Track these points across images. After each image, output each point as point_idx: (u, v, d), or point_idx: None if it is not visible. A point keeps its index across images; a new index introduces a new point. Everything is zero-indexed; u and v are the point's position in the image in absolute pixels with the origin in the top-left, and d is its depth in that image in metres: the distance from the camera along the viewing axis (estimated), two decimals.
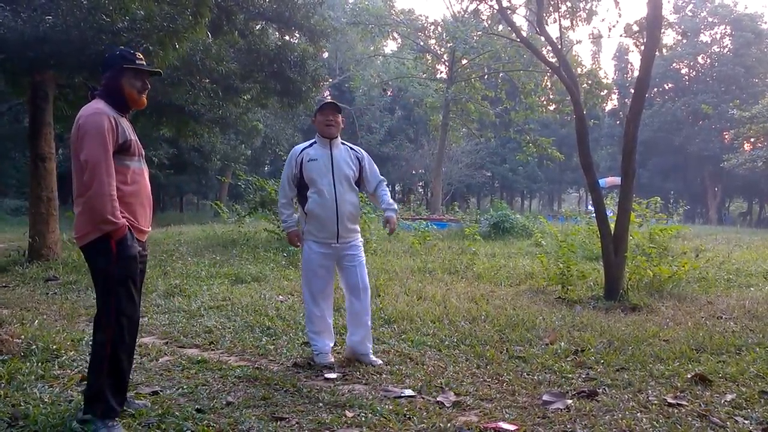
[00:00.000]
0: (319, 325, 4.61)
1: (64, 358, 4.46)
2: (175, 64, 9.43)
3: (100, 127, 3.15)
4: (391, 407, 3.60)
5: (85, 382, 3.34)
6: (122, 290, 3.22)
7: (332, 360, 4.55)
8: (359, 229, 4.77)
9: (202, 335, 5.32)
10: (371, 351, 4.62)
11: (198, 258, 10.44)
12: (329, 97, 42.70)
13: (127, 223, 3.23)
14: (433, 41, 32.95)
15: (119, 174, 3.23)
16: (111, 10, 8.17)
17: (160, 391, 3.82)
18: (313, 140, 4.69)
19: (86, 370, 3.59)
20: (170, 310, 6.35)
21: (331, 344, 4.73)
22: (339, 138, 4.68)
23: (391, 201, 4.79)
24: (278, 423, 3.35)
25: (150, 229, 3.50)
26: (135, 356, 3.95)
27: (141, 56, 3.45)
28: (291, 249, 10.56)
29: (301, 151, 4.63)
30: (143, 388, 3.81)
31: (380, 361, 4.54)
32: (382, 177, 4.87)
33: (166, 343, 5.11)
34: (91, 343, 3.26)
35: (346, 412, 3.53)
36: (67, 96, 10.79)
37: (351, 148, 4.77)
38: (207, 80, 11.52)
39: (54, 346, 4.64)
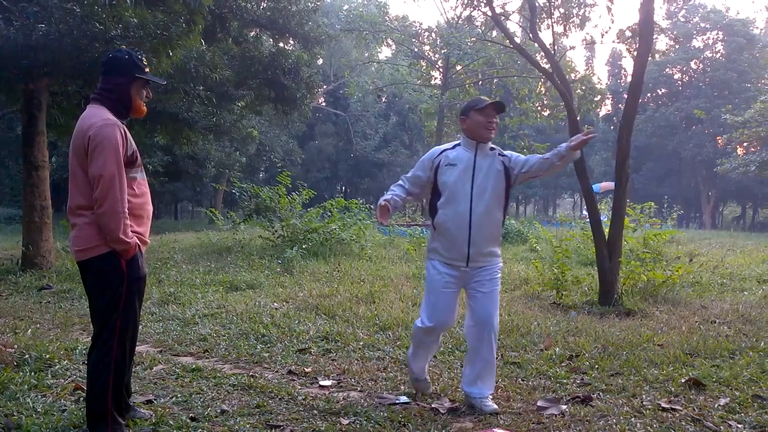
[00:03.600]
0: (426, 353, 3.97)
1: (57, 367, 4.43)
2: (169, 71, 9.43)
3: (113, 139, 3.02)
4: (386, 414, 3.60)
5: (79, 392, 3.31)
6: (130, 311, 3.14)
7: (430, 387, 4.06)
8: (499, 252, 3.93)
9: (197, 343, 5.30)
10: (489, 395, 3.81)
11: (193, 265, 10.42)
12: (323, 103, 42.87)
13: (137, 240, 3.15)
14: (427, 47, 33.03)
15: (128, 187, 3.12)
16: (104, 18, 8.16)
17: (154, 399, 3.81)
18: (457, 142, 3.95)
19: (80, 380, 3.57)
20: (165, 318, 6.33)
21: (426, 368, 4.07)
22: (489, 143, 3.89)
23: (553, 151, 3.89)
24: (273, 431, 3.35)
25: (150, 240, 3.43)
26: None
27: (146, 62, 3.34)
28: (286, 256, 10.56)
29: (441, 153, 3.90)
30: (137, 397, 3.78)
31: (495, 407, 3.72)
32: (533, 155, 3.97)
33: (161, 351, 5.09)
34: (90, 363, 3.15)
35: (341, 419, 3.52)
36: (60, 104, 10.78)
37: (500, 153, 3.91)
38: (201, 87, 11.52)
39: (47, 356, 4.61)
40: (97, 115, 3.09)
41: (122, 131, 3.09)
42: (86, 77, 8.98)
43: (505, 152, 3.93)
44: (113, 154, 3.00)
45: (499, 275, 3.89)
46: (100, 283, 3.13)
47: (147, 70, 3.27)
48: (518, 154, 3.95)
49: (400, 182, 4.03)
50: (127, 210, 3.06)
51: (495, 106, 3.83)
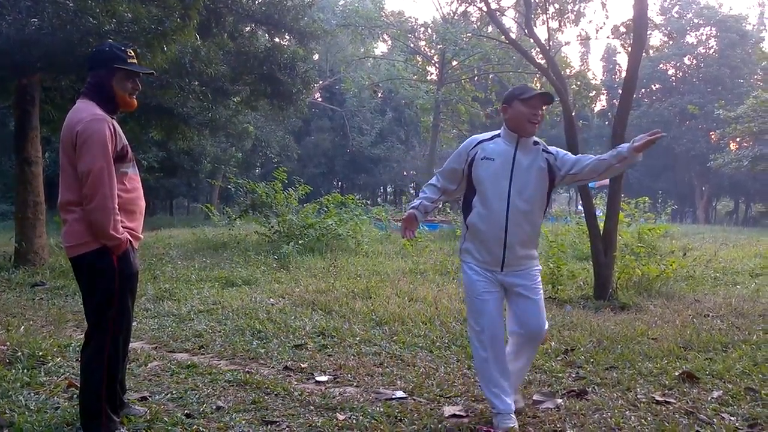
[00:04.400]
0: (496, 372, 3.41)
1: (50, 364, 4.41)
2: (164, 66, 9.40)
3: (102, 134, 2.97)
4: (382, 409, 3.60)
5: (72, 389, 3.29)
6: (122, 307, 3.11)
7: (515, 423, 3.35)
8: (536, 254, 3.60)
9: (192, 339, 5.30)
10: (517, 391, 3.65)
11: (188, 261, 10.41)
12: (319, 99, 42.79)
13: (129, 236, 3.11)
14: (423, 43, 33.02)
15: (119, 182, 3.07)
16: (98, 13, 8.12)
17: (149, 396, 3.80)
18: (497, 133, 3.54)
19: (73, 377, 3.56)
20: (160, 314, 6.32)
21: (512, 399, 3.47)
22: (533, 137, 3.50)
23: (613, 152, 3.46)
24: (269, 427, 3.35)
25: (142, 236, 3.40)
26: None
27: (132, 53, 3.24)
28: (282, 251, 10.55)
29: (478, 143, 3.50)
30: (132, 394, 3.78)
31: (521, 404, 3.59)
32: (585, 155, 3.56)
33: (156, 348, 5.08)
34: (83, 360, 3.14)
35: (338, 414, 3.52)
36: (53, 99, 10.74)
37: (545, 149, 3.52)
38: (196, 83, 11.48)
39: (40, 353, 4.59)
40: (85, 110, 3.06)
41: (111, 126, 3.05)
42: (79, 72, 8.93)
43: (550, 148, 3.55)
44: (101, 149, 2.96)
45: (540, 279, 3.59)
46: (91, 279, 3.11)
47: (131, 61, 3.19)
48: (566, 152, 3.57)
49: (433, 181, 3.69)
50: (117, 205, 3.02)
51: (542, 98, 3.43)
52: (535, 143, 3.49)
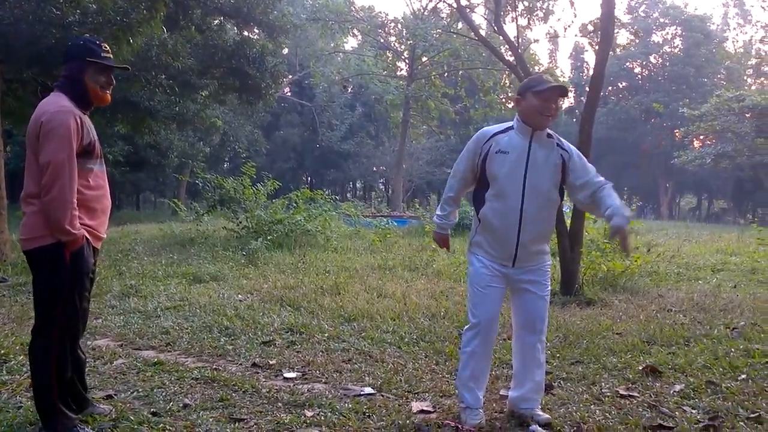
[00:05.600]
0: (478, 366, 3.42)
1: (12, 363, 4.32)
2: (130, 59, 9.27)
3: (66, 126, 2.92)
4: (350, 406, 3.61)
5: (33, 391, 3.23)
6: (69, 305, 3.04)
7: (483, 419, 3.37)
8: (548, 249, 3.56)
9: (159, 336, 5.24)
10: (539, 405, 3.50)
11: (155, 257, 10.28)
12: (289, 93, 42.53)
13: (86, 233, 3.05)
14: (393, 38, 33.03)
15: (82, 178, 3.03)
16: (61, 3, 7.99)
17: (114, 394, 3.75)
18: (510, 125, 3.43)
19: None
20: (125, 311, 6.24)
21: (483, 396, 3.51)
22: (546, 129, 3.40)
23: (620, 203, 3.29)
24: (236, 424, 3.33)
25: (105, 235, 3.34)
26: (88, 360, 3.89)
27: (107, 47, 3.20)
28: (250, 247, 10.49)
29: (492, 136, 3.37)
30: (97, 392, 3.73)
31: (548, 416, 3.40)
32: (600, 177, 3.41)
33: (121, 345, 5.01)
34: (31, 357, 3.08)
35: (306, 411, 3.52)
36: (15, 91, 10.51)
37: (559, 144, 3.43)
38: (163, 76, 11.35)
39: (2, 351, 4.51)
40: (53, 103, 3.02)
41: (78, 119, 3.00)
42: (43, 64, 8.77)
43: (564, 144, 3.44)
44: (64, 142, 2.92)
45: (550, 272, 3.55)
46: (41, 274, 3.05)
47: (105, 55, 3.17)
48: (579, 154, 3.47)
49: (450, 194, 3.55)
50: (76, 200, 2.96)
51: (557, 90, 3.33)
52: (549, 136, 3.40)
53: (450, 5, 19.40)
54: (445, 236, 3.70)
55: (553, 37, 36.60)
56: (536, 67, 26.52)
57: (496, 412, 3.56)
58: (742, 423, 3.32)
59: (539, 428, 3.25)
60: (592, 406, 3.60)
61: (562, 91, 3.40)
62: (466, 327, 3.49)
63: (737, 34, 50.26)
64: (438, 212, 3.66)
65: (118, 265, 9.21)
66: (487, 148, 3.34)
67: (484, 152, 3.34)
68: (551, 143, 3.39)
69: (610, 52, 7.92)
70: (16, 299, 6.91)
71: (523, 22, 21.50)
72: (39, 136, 2.96)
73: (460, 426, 3.31)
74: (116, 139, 22.58)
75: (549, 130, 3.40)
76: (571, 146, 3.47)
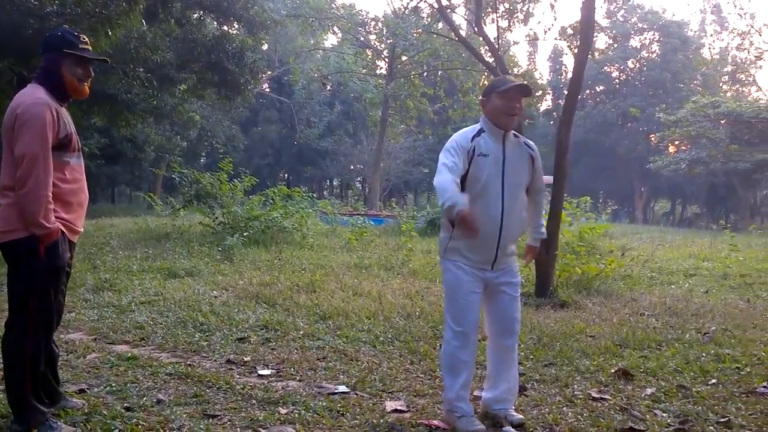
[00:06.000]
0: (470, 374, 3.40)
1: None
2: (108, 51, 9.16)
3: (41, 119, 2.89)
4: (324, 404, 3.61)
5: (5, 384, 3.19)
6: (44, 299, 3.01)
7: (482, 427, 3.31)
8: (516, 249, 3.57)
9: (133, 331, 5.19)
10: (513, 406, 3.53)
11: (129, 252, 10.19)
12: (267, 90, 42.33)
13: (61, 227, 3.02)
14: (373, 37, 33.07)
15: (58, 171, 3.00)
16: None
17: (87, 389, 3.71)
18: (479, 127, 3.41)
19: None
20: (99, 305, 6.18)
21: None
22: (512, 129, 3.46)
23: (542, 222, 3.65)
24: (210, 421, 3.31)
25: (82, 229, 3.31)
26: (61, 353, 3.84)
27: (86, 39, 3.17)
28: (226, 243, 10.43)
29: (472, 139, 3.33)
30: (69, 386, 3.69)
31: (521, 416, 3.43)
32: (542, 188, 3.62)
33: (95, 339, 4.97)
34: (3, 351, 3.05)
35: (280, 408, 3.52)
36: None
37: (526, 142, 3.54)
38: (141, 69, 11.25)
39: None
40: (29, 95, 2.99)
41: (53, 112, 2.97)
42: (20, 55, 8.64)
43: (531, 144, 3.54)
44: (39, 135, 2.89)
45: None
46: (16, 267, 3.02)
47: (84, 47, 3.13)
48: (540, 165, 3.56)
49: (453, 175, 3.22)
50: (51, 194, 2.93)
51: (519, 89, 3.36)
52: (516, 135, 3.46)
53: (431, 5, 19.47)
54: (467, 214, 3.11)
55: (533, 40, 36.85)
56: (515, 69, 26.70)
57: None
58: (711, 427, 3.38)
59: (512, 429, 3.28)
60: (564, 408, 3.64)
61: (525, 90, 3.41)
62: (449, 337, 3.39)
63: (714, 41, 50.95)
64: (450, 195, 3.12)
65: (92, 258, 9.11)
66: (472, 149, 3.30)
67: (470, 154, 3.29)
68: (519, 143, 3.47)
69: (589, 56, 8.00)
70: None
71: (503, 23, 21.60)
72: (14, 128, 2.93)
73: (442, 426, 3.32)
74: (92, 131, 22.32)
75: (513, 131, 3.45)
76: (534, 146, 3.57)
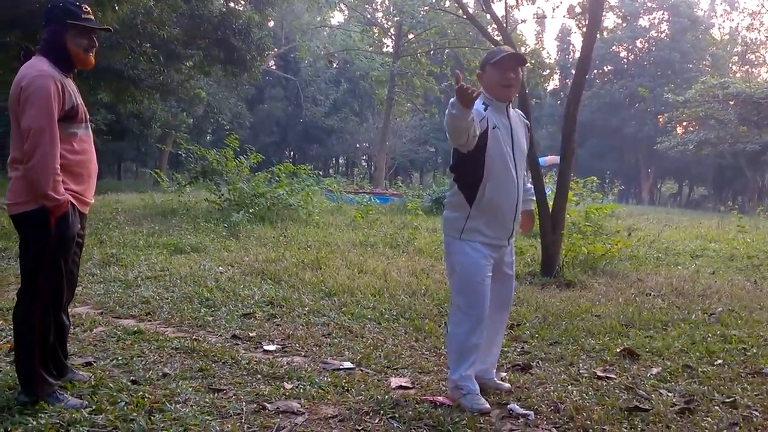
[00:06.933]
0: (474, 358, 3.37)
1: None
2: (114, 26, 9.10)
3: (45, 91, 2.88)
4: (329, 379, 3.62)
5: (14, 355, 3.21)
6: (54, 270, 3.03)
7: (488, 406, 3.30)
8: None
9: (139, 306, 5.21)
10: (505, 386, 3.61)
11: (136, 227, 10.20)
12: (274, 67, 42.11)
13: (71, 198, 3.02)
14: (380, 14, 32.83)
15: (65, 143, 3.00)
16: None
17: (94, 362, 3.73)
18: (483, 101, 3.30)
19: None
20: (106, 279, 6.20)
21: None
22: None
23: (530, 186, 3.74)
24: (215, 395, 3.33)
25: (92, 200, 3.31)
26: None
27: (88, 9, 3.15)
28: (232, 220, 10.44)
29: (484, 113, 3.25)
30: (76, 359, 3.71)
31: (508, 385, 3.59)
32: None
33: (101, 313, 4.98)
34: (15, 321, 3.08)
35: (285, 384, 3.53)
36: None
37: (518, 111, 3.54)
38: (148, 45, 11.19)
39: None
40: (34, 66, 2.98)
41: (58, 83, 2.96)
42: (25, 28, 8.60)
43: (522, 114, 3.59)
44: (44, 107, 2.88)
45: None
46: (26, 238, 3.04)
47: (86, 17, 3.10)
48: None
49: None
50: (58, 165, 2.93)
51: (513, 58, 3.28)
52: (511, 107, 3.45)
53: None
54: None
55: (541, 18, 36.47)
56: (523, 48, 26.42)
57: None
58: (717, 407, 3.37)
59: (518, 407, 3.28)
60: (569, 387, 3.64)
61: (519, 59, 3.33)
62: (458, 320, 3.35)
63: (724, 21, 50.59)
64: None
65: (98, 233, 9.12)
66: (486, 122, 3.23)
67: (483, 128, 3.20)
68: (517, 112, 3.49)
69: (597, 35, 7.91)
70: None
71: (511, 1, 21.37)
72: (20, 100, 2.92)
73: (443, 400, 3.33)
74: (99, 107, 22.28)
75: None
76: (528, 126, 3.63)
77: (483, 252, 3.31)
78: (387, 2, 31.70)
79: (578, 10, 13.37)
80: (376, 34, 32.35)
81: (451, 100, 3.00)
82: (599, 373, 3.87)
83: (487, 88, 3.32)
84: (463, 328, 3.33)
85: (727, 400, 3.46)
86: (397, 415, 3.15)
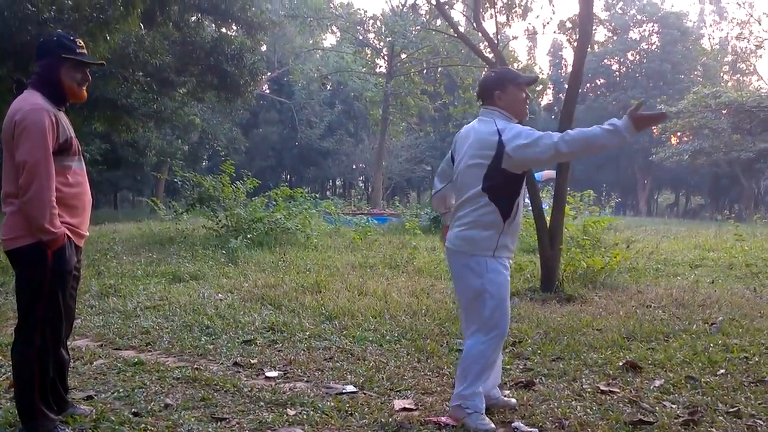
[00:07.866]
0: (488, 374, 3.43)
1: None
2: (107, 56, 9.17)
3: (40, 125, 2.89)
4: (332, 404, 3.60)
5: (14, 389, 3.19)
6: (51, 305, 3.02)
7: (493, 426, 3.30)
8: None
9: (139, 336, 5.19)
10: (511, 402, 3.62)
11: (134, 257, 10.18)
12: (267, 91, 42.34)
13: (67, 231, 3.02)
14: (372, 35, 33.05)
15: (60, 176, 3.00)
16: (37, 0, 7.86)
17: (95, 395, 3.71)
18: (505, 119, 3.39)
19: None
20: (105, 311, 6.17)
21: None
22: None
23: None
24: (218, 424, 3.31)
25: (88, 233, 3.31)
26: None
27: (82, 43, 3.16)
28: (230, 246, 10.43)
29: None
30: (77, 393, 3.68)
31: (515, 401, 3.62)
32: None
33: (101, 345, 4.96)
34: (13, 358, 3.06)
35: (288, 410, 3.51)
36: None
37: None
38: (141, 73, 11.24)
39: None
40: (26, 100, 2.98)
41: (52, 117, 2.97)
42: (18, 61, 8.64)
43: None
44: (39, 140, 2.89)
45: None
46: (23, 273, 3.03)
47: (81, 51, 3.12)
48: None
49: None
50: (54, 199, 2.94)
51: (534, 81, 3.62)
52: None
53: (429, 2, 19.43)
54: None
55: (532, 34, 36.78)
56: (515, 64, 26.61)
57: None
58: (721, 417, 3.37)
59: (523, 426, 3.27)
60: (573, 402, 3.63)
61: (535, 81, 3.70)
62: (484, 339, 3.32)
63: (713, 31, 50.96)
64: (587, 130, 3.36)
65: (96, 264, 9.10)
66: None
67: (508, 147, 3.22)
68: None
69: (588, 49, 7.97)
70: None
71: (502, 18, 21.54)
72: (14, 135, 2.93)
73: (447, 421, 3.31)
74: (93, 137, 22.35)
75: None
76: None
77: (508, 268, 3.41)
78: (378, 23, 31.94)
79: (569, 25, 13.45)
80: (369, 55, 32.60)
81: (621, 123, 3.15)
82: (602, 388, 3.86)
83: (509, 106, 3.41)
84: (491, 346, 3.33)
85: (731, 409, 3.46)
86: None
